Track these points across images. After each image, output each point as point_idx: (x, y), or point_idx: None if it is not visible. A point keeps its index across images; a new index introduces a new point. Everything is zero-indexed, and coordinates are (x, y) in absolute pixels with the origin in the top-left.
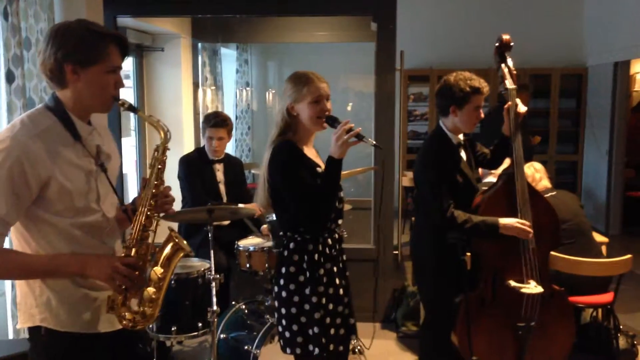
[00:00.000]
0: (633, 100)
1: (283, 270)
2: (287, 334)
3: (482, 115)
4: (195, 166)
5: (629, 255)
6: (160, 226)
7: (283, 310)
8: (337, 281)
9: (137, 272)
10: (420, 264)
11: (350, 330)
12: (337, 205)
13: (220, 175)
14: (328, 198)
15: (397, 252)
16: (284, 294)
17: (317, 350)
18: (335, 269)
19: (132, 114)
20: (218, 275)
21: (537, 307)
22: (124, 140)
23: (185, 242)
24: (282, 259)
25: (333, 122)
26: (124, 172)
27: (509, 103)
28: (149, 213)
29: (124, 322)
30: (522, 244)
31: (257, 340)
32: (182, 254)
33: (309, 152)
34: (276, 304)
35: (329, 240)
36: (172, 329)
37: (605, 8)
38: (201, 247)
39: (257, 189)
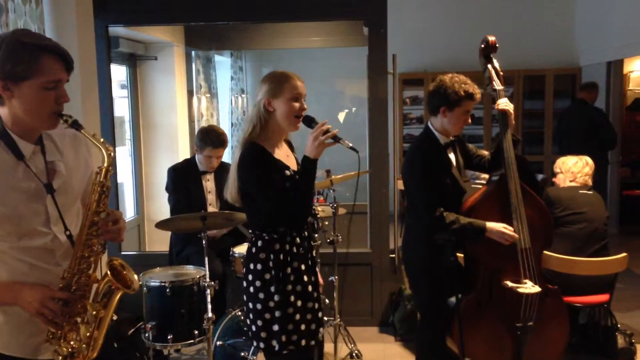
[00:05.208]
0: (627, 99)
1: (251, 266)
2: (253, 328)
3: (470, 121)
4: (181, 177)
5: (624, 254)
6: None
7: (250, 305)
8: (305, 278)
9: (78, 305)
10: (412, 267)
11: (320, 324)
12: None
13: (210, 185)
14: (305, 197)
15: (393, 255)
16: (251, 289)
17: (277, 347)
18: (303, 266)
19: (128, 123)
20: (213, 283)
21: (535, 306)
22: (118, 149)
23: (133, 274)
24: (249, 255)
25: (310, 122)
26: (119, 181)
27: (497, 103)
28: (88, 242)
29: (60, 358)
30: (517, 243)
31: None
32: (120, 293)
33: (279, 153)
34: (244, 297)
35: (297, 239)
36: (169, 337)
37: (596, 7)
38: (196, 254)
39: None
